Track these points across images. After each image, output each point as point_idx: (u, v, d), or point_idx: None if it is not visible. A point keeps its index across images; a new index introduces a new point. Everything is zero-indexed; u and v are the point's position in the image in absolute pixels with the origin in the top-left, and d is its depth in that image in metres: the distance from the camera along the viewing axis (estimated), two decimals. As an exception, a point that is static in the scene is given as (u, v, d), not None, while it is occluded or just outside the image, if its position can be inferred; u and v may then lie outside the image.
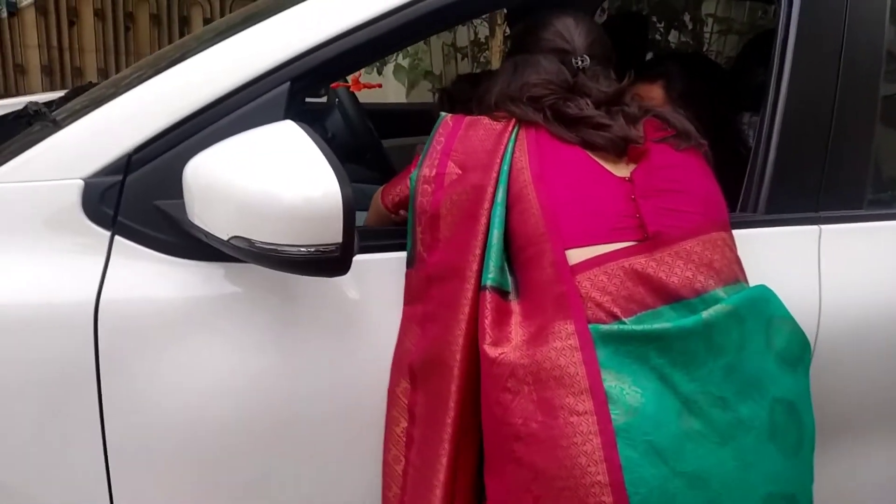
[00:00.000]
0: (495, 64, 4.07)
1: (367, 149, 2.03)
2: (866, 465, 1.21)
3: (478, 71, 4.19)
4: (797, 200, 1.10)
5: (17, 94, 4.90)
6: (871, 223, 1.14)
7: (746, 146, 1.35)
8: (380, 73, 3.97)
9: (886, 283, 1.14)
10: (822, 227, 1.10)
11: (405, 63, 3.84)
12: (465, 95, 1.41)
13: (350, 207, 0.75)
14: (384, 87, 4.06)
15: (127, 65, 5.01)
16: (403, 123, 1.86)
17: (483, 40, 4.12)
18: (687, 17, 3.79)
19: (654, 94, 1.33)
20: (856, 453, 1.20)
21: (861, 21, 1.10)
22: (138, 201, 0.89)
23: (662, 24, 3.69)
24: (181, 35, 5.08)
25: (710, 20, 3.99)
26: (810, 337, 1.08)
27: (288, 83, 0.92)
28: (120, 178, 0.89)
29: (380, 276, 0.96)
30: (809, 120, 1.11)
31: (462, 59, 4.23)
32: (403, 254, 0.95)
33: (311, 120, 2.03)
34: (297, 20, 0.97)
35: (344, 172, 0.77)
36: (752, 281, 1.08)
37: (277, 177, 0.77)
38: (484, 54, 4.11)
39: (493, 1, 1.05)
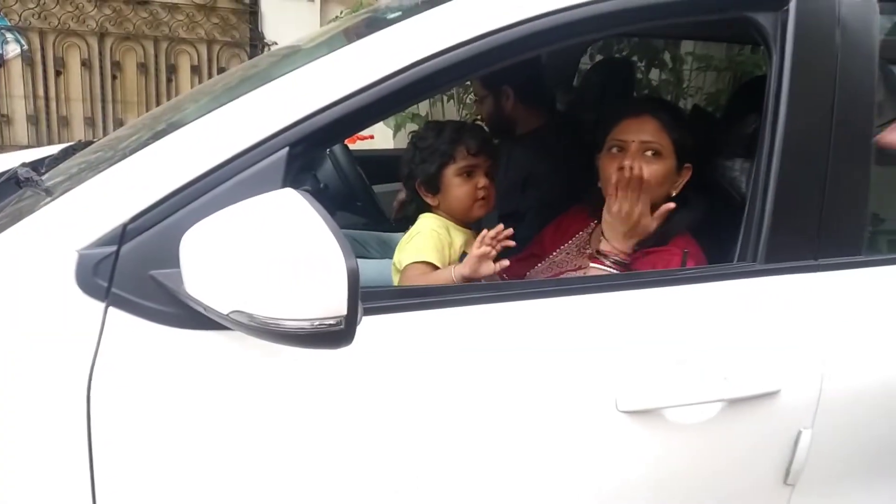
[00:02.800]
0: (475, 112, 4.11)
1: (358, 196, 2.03)
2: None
3: (466, 116, 4.24)
4: (796, 248, 1.11)
5: (3, 143, 4.89)
6: (869, 269, 1.14)
7: (740, 193, 1.35)
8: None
9: (887, 329, 1.14)
10: (822, 273, 1.11)
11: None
12: (426, 143, 1.44)
13: (354, 278, 0.74)
14: (374, 129, 4.08)
15: (114, 113, 5.02)
16: (392, 169, 1.87)
17: (468, 82, 4.17)
18: (667, 56, 3.86)
19: (646, 126, 1.34)
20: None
21: (852, 68, 1.11)
22: (133, 272, 0.87)
23: (643, 63, 3.76)
24: (168, 83, 5.11)
25: (689, 58, 4.07)
26: (814, 384, 1.07)
27: (286, 149, 0.91)
28: (114, 248, 0.87)
29: (384, 338, 0.94)
30: (805, 167, 1.11)
31: (448, 100, 4.27)
32: (409, 314, 0.94)
33: (304, 170, 2.05)
34: (295, 86, 0.97)
35: (347, 243, 0.75)
36: (755, 332, 1.08)
37: (278, 249, 0.76)
38: (469, 96, 4.15)
39: (490, 61, 1.04)
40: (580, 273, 1.43)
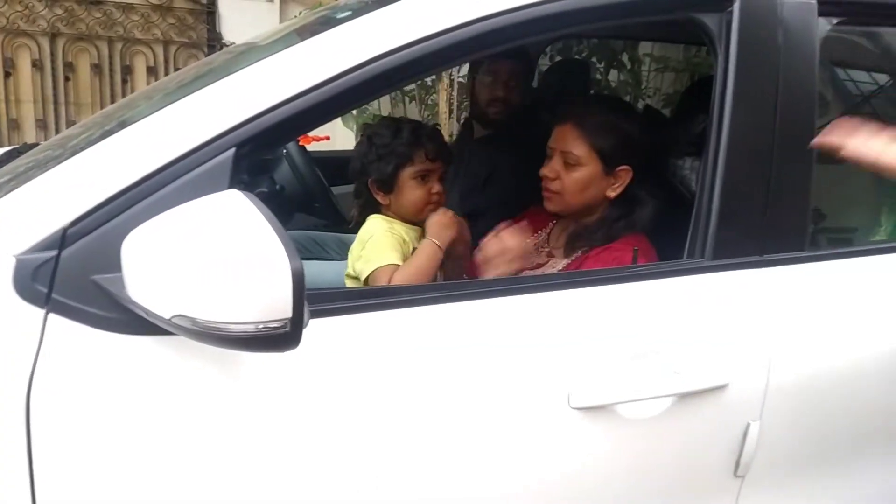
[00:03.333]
0: (442, 107, 4.12)
1: (316, 198, 2.01)
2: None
3: (428, 118, 4.24)
4: (742, 245, 1.13)
5: (-51, 147, 4.71)
6: (812, 264, 1.17)
7: (690, 191, 1.38)
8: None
9: (831, 322, 1.17)
10: (767, 269, 1.13)
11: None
12: (383, 141, 1.43)
13: (299, 281, 0.73)
14: (332, 131, 4.05)
15: (66, 116, 4.89)
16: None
17: (430, 83, 4.17)
18: (625, 57, 3.92)
19: (566, 134, 1.36)
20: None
21: (794, 68, 1.14)
22: (75, 277, 0.85)
23: (602, 65, 3.81)
24: (123, 84, 4.99)
25: (647, 59, 4.14)
26: (761, 377, 1.10)
27: (233, 149, 0.90)
28: (55, 253, 0.85)
29: (335, 341, 0.93)
30: (750, 165, 1.14)
31: (410, 101, 4.27)
32: (359, 316, 0.94)
33: (260, 172, 2.03)
34: (243, 84, 0.95)
35: (292, 244, 0.74)
36: (704, 327, 1.10)
37: (220, 251, 0.74)
38: (431, 97, 4.16)
39: (446, 59, 1.04)
40: (538, 272, 1.44)
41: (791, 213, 1.16)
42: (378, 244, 1.38)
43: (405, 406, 0.97)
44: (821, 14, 1.13)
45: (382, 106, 4.22)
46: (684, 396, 1.07)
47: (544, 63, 2.82)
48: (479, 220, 1.99)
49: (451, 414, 0.99)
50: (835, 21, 1.14)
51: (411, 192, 1.42)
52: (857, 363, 1.17)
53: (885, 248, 1.27)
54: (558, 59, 2.88)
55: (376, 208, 1.45)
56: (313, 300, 0.89)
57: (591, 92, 2.70)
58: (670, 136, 1.49)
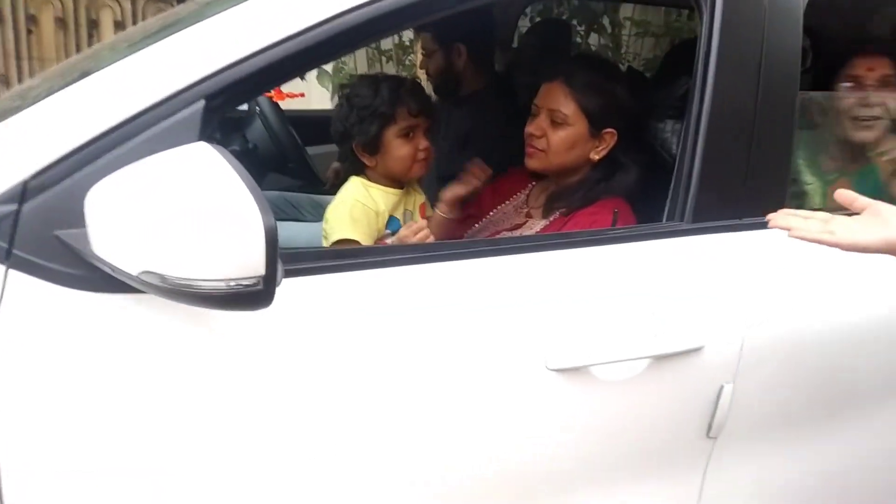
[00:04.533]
0: (420, 67, 4.05)
1: (290, 157, 1.97)
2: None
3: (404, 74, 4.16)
4: (722, 208, 1.12)
5: None
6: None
7: (671, 154, 1.37)
8: (303, 78, 3.88)
9: (807, 287, 1.18)
10: (746, 233, 1.13)
11: (328, 67, 3.76)
12: (364, 102, 1.38)
13: (272, 237, 0.71)
14: (308, 90, 3.96)
15: (30, 71, 4.72)
16: (328, 130, 1.82)
17: (408, 43, 4.09)
18: (606, 21, 3.88)
19: (554, 92, 1.35)
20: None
21: (778, 31, 1.12)
22: (36, 232, 0.81)
23: (583, 28, 3.77)
24: (90, 39, 4.82)
25: (628, 23, 4.10)
26: (736, 340, 1.11)
27: (203, 101, 0.86)
28: (15, 206, 0.81)
29: (310, 301, 0.91)
30: (731, 128, 1.12)
31: (387, 61, 4.19)
32: (335, 276, 0.92)
33: (232, 130, 1.97)
34: (212, 34, 0.91)
35: (265, 199, 0.72)
36: (681, 290, 1.10)
37: (190, 205, 0.71)
38: (409, 57, 4.08)
39: (420, 13, 1.00)
40: (516, 233, 1.43)
41: (772, 177, 1.15)
42: (343, 214, 1.35)
43: (381, 368, 0.95)
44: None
45: (359, 66, 4.13)
46: (660, 359, 1.07)
47: (524, 24, 2.78)
48: (457, 181, 1.98)
49: (427, 376, 0.98)
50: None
51: (398, 150, 1.39)
52: (832, 327, 1.18)
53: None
54: (538, 20, 2.84)
55: (359, 170, 1.42)
56: (285, 260, 0.87)
57: (571, 51, 2.67)
58: (652, 99, 1.47)
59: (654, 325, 1.07)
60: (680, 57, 1.55)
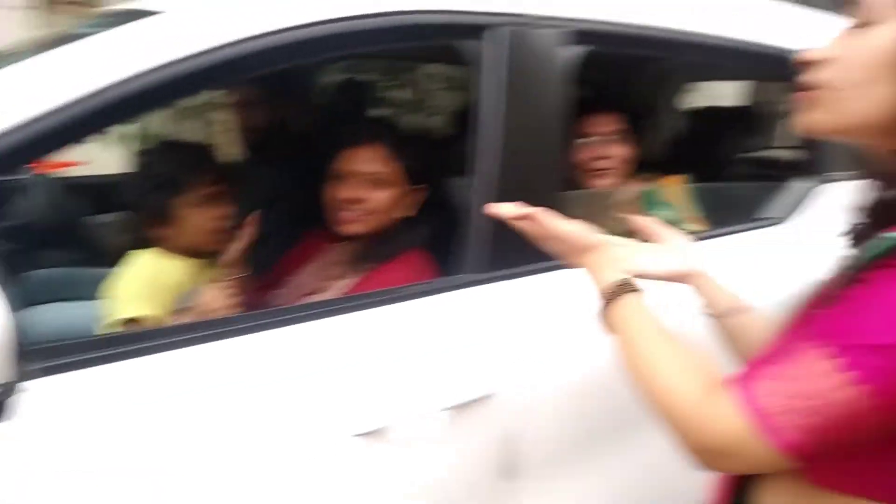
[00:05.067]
0: (227, 125, 3.92)
1: (72, 230, 1.79)
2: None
3: (211, 135, 4.00)
4: (514, 257, 1.18)
5: None
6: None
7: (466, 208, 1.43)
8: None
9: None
10: (535, 277, 1.20)
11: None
12: (154, 169, 1.26)
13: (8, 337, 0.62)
14: (113, 154, 3.67)
15: None
16: (120, 196, 1.68)
17: (213, 100, 3.95)
18: (413, 76, 4.03)
19: (372, 154, 1.36)
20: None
21: (545, 91, 1.21)
22: None
23: (391, 83, 3.88)
24: None
25: (429, 79, 4.29)
26: (526, 384, 1.16)
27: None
28: None
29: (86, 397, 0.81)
30: (514, 182, 1.19)
31: (192, 118, 4.01)
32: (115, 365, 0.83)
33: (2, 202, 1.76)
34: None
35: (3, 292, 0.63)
36: (476, 339, 1.14)
37: None
38: (215, 115, 3.94)
39: (204, 81, 0.98)
40: (318, 297, 1.39)
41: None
42: (134, 290, 1.25)
43: (173, 458, 0.88)
44: (567, 43, 1.23)
45: (164, 125, 3.91)
46: (457, 408, 1.10)
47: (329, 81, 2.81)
48: (264, 244, 1.91)
49: (236, 449, 0.93)
50: (580, 49, 1.25)
51: (193, 220, 1.30)
52: (609, 367, 1.27)
53: None
54: (340, 78, 2.88)
55: (153, 241, 1.32)
56: (49, 354, 0.78)
57: (375, 112, 2.73)
58: (450, 154, 1.53)
59: (450, 377, 1.10)
60: (471, 114, 1.64)
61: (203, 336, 0.95)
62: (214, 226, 1.33)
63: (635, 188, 1.74)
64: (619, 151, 1.70)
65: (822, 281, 0.69)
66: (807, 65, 0.66)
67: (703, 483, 0.81)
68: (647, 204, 1.73)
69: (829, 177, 1.59)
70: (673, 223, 1.68)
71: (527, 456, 1.18)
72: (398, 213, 1.39)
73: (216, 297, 1.20)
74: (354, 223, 1.37)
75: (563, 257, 0.88)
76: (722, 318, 0.90)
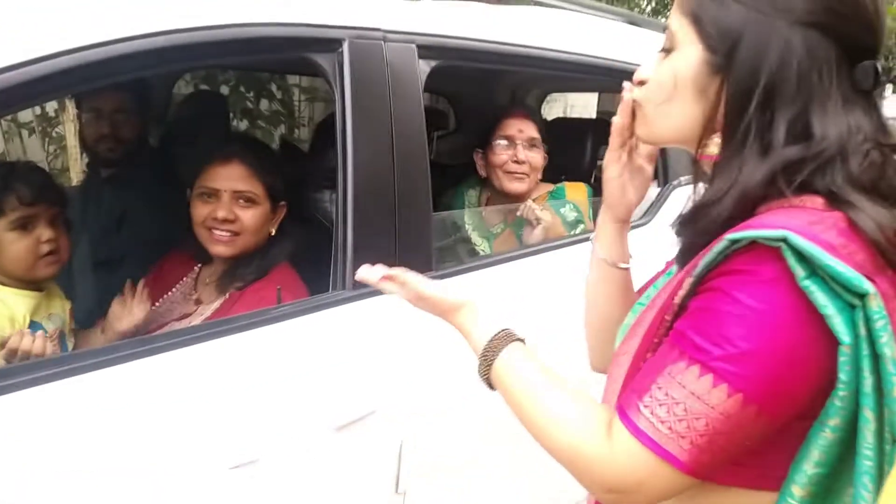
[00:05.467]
0: (70, 140, 3.63)
1: None
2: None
3: (55, 153, 3.68)
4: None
5: None
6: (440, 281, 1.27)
7: (332, 223, 1.41)
8: None
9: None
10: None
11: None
12: None
13: None
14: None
15: None
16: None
17: (54, 114, 3.64)
18: (274, 87, 3.92)
19: (236, 172, 1.32)
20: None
21: (403, 103, 1.22)
22: None
23: (252, 94, 3.76)
24: None
25: (296, 89, 4.21)
26: (411, 389, 1.16)
27: None
28: None
29: None
30: (376, 195, 1.19)
31: (30, 135, 3.67)
32: None
33: None
34: None
35: None
36: (351, 357, 1.12)
37: None
38: (56, 129, 3.63)
39: (37, 93, 0.89)
40: (186, 322, 1.33)
41: (417, 234, 1.25)
42: None
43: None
44: (420, 56, 1.25)
45: (-8, 141, 3.55)
46: (340, 429, 1.08)
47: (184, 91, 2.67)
48: (118, 266, 1.78)
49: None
50: (433, 63, 1.27)
51: (11, 246, 1.20)
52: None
53: (496, 260, 1.44)
54: (193, 89, 2.75)
55: None
56: None
57: (234, 126, 2.63)
58: (309, 169, 1.50)
59: (329, 398, 1.08)
60: (328, 129, 1.62)
61: (65, 371, 0.87)
62: (37, 252, 1.23)
63: (545, 187, 1.83)
64: (535, 156, 1.79)
65: (666, 284, 0.71)
66: (636, 84, 0.74)
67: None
68: (554, 202, 1.82)
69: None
70: (577, 223, 1.78)
71: (416, 470, 1.17)
72: (265, 232, 1.36)
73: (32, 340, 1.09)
74: (226, 244, 1.32)
75: (436, 315, 0.83)
76: (608, 266, 0.86)
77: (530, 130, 1.79)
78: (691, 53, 0.66)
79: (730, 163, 0.64)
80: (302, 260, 1.37)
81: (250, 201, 1.32)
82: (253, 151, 1.38)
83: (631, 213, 0.83)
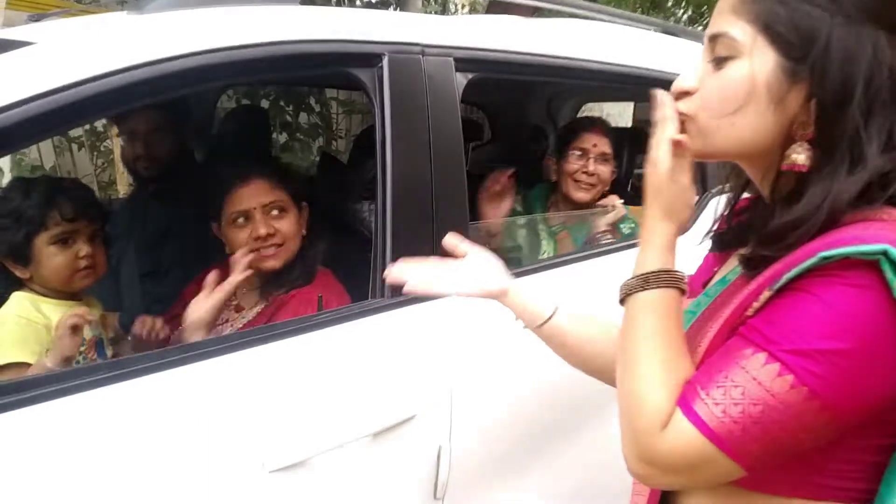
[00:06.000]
0: (117, 154, 3.76)
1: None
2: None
3: (103, 167, 3.81)
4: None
5: None
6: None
7: (372, 233, 1.44)
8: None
9: (495, 334, 1.30)
10: (441, 301, 1.22)
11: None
12: (8, 206, 1.20)
13: None
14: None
15: None
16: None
17: (102, 128, 3.78)
18: (313, 101, 4.01)
19: (260, 188, 1.37)
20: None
21: (441, 115, 1.24)
22: None
23: (291, 108, 3.85)
24: None
25: (334, 102, 4.29)
26: (445, 402, 1.18)
27: None
28: None
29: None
30: (414, 205, 1.22)
31: (80, 149, 3.82)
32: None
33: None
34: None
35: None
36: (389, 364, 1.15)
37: None
38: (104, 143, 3.77)
39: (83, 113, 0.94)
40: (226, 327, 1.37)
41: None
42: (6, 336, 1.18)
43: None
44: (458, 69, 1.27)
45: (45, 156, 3.70)
46: (377, 434, 1.10)
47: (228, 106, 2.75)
48: (163, 278, 1.84)
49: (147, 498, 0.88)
50: (469, 75, 1.29)
51: (51, 259, 1.24)
52: (527, 373, 1.32)
53: (549, 265, 1.46)
54: (238, 104, 2.83)
55: (19, 284, 1.25)
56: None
57: (270, 137, 2.69)
58: (347, 180, 1.54)
59: (368, 404, 1.10)
60: (367, 141, 1.66)
61: (113, 376, 0.91)
62: (75, 266, 1.27)
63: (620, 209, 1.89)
64: (605, 169, 1.93)
65: (728, 284, 0.71)
66: (676, 95, 0.70)
67: (629, 485, 0.82)
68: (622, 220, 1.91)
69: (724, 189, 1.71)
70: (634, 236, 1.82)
71: (454, 475, 1.19)
72: (300, 235, 1.41)
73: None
74: (276, 257, 1.37)
75: (648, 203, 0.73)
76: (536, 329, 0.93)
77: (603, 146, 1.93)
78: (764, 61, 0.63)
79: (822, 175, 0.62)
80: (342, 268, 1.40)
81: (282, 210, 1.37)
82: (264, 164, 1.44)
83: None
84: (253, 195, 1.36)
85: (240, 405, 0.99)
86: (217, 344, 1.04)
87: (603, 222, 1.86)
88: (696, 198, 0.77)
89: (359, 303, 1.20)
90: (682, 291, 0.69)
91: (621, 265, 0.80)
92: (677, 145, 0.69)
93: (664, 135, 0.70)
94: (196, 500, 0.94)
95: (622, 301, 0.71)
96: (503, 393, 1.28)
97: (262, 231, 1.34)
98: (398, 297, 1.17)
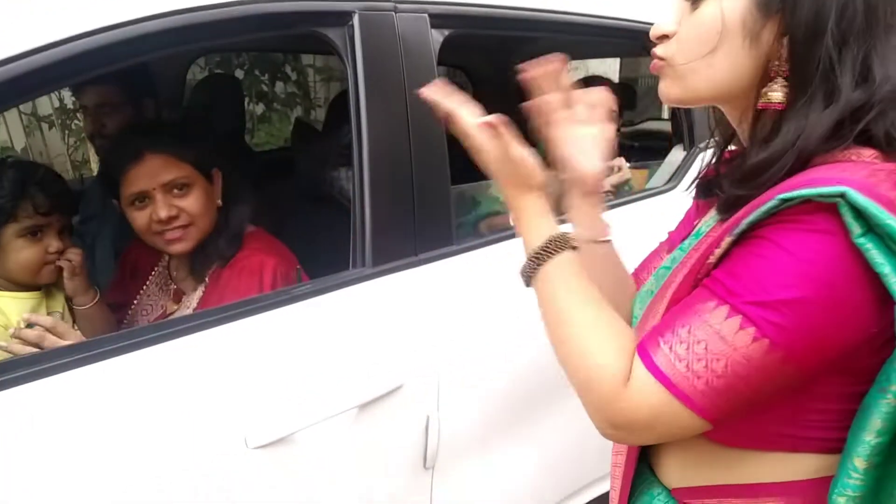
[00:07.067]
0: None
1: None
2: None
3: (76, 145, 3.72)
4: (398, 249, 1.16)
5: None
6: (462, 255, 1.25)
7: (350, 201, 1.39)
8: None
9: (479, 300, 1.27)
10: (423, 267, 1.19)
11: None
12: None
13: None
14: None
15: None
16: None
17: (72, 105, 3.68)
18: (289, 69, 3.92)
19: (157, 165, 1.21)
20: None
21: (417, 76, 1.19)
22: None
23: (267, 76, 3.76)
24: None
25: (310, 70, 4.20)
26: (436, 363, 1.15)
27: None
28: None
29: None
30: (393, 171, 1.17)
31: (50, 128, 3.72)
32: None
33: None
34: None
35: None
36: (373, 333, 1.12)
37: None
38: (76, 121, 3.67)
39: (35, 85, 0.88)
40: (170, 317, 1.28)
41: (437, 207, 1.22)
42: None
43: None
44: (433, 26, 1.22)
45: (14, 137, 3.60)
46: (364, 406, 1.08)
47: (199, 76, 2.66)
48: (109, 258, 1.77)
49: (126, 479, 0.86)
50: (446, 32, 1.24)
51: (18, 252, 1.18)
52: (511, 343, 1.29)
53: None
54: (207, 73, 2.75)
55: None
56: None
57: (244, 107, 2.59)
58: (322, 148, 1.49)
59: (354, 375, 1.07)
60: (341, 106, 1.60)
61: (95, 354, 0.87)
62: (43, 260, 1.21)
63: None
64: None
65: (702, 237, 0.69)
66: (655, 39, 0.69)
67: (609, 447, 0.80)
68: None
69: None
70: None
71: (443, 445, 1.17)
72: (214, 207, 1.28)
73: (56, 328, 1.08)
74: (183, 240, 1.23)
75: (506, 185, 0.73)
76: (599, 243, 0.84)
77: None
78: None
79: (797, 112, 0.61)
80: (323, 239, 1.36)
81: (185, 186, 1.21)
82: (157, 135, 1.27)
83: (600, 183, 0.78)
84: (149, 174, 1.19)
85: (221, 381, 0.96)
86: (198, 319, 1.01)
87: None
88: (538, 152, 0.71)
89: (341, 273, 1.16)
90: (575, 248, 0.69)
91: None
92: (488, 126, 0.69)
93: (468, 122, 0.71)
94: (174, 480, 0.91)
95: (528, 285, 0.70)
96: (491, 361, 1.26)
97: (164, 214, 1.19)
98: (380, 265, 1.13)
